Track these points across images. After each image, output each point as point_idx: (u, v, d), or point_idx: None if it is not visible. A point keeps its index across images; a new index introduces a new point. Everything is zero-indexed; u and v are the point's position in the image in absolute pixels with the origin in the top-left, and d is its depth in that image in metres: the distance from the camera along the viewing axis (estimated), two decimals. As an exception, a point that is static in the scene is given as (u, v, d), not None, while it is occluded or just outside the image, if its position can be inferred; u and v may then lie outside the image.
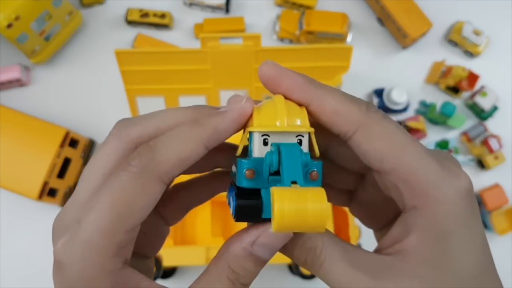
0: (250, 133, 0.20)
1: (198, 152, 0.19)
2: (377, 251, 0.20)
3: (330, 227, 0.63)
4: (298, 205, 0.16)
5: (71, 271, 0.18)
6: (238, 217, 0.19)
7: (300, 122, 0.19)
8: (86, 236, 0.18)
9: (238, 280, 0.19)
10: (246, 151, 0.21)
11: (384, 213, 0.24)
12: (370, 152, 0.19)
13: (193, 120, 0.20)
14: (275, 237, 0.19)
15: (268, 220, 0.18)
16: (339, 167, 0.24)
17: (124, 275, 0.18)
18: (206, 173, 0.25)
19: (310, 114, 0.20)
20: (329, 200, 0.25)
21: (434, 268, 0.18)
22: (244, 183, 0.19)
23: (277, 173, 0.19)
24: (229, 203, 0.21)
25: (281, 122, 0.19)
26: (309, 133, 0.19)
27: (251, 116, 0.20)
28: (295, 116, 0.19)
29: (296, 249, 0.19)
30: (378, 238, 0.25)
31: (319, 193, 0.17)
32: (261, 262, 0.19)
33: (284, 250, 0.20)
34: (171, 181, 0.19)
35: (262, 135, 0.19)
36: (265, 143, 0.19)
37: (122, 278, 0.18)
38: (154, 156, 0.19)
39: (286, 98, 0.20)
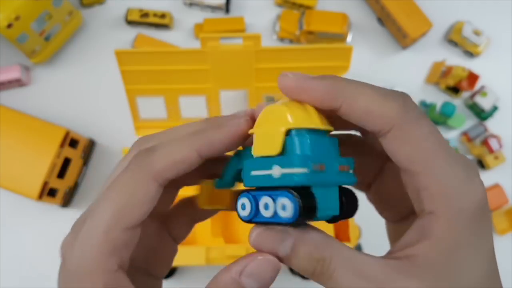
0: None
1: (191, 158, 0.20)
2: (388, 254, 0.20)
3: (330, 227, 0.63)
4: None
5: (71, 265, 0.19)
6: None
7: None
8: (86, 232, 0.19)
9: None
10: None
11: (401, 207, 0.23)
12: (401, 153, 0.19)
13: (194, 130, 0.21)
14: (262, 266, 0.19)
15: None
16: (362, 155, 0.24)
17: (117, 278, 0.19)
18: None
19: (341, 115, 0.20)
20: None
21: (443, 276, 0.18)
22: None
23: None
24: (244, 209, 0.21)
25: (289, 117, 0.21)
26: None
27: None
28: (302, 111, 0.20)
29: (305, 261, 0.19)
30: (390, 231, 0.25)
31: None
32: None
33: (290, 262, 0.19)
34: (165, 182, 0.20)
35: None
36: None
37: (114, 280, 0.19)
38: (150, 157, 0.20)
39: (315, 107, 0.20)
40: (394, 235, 0.25)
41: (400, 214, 0.24)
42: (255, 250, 0.20)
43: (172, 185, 0.22)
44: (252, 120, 0.21)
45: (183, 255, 0.63)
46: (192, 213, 0.26)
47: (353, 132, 0.24)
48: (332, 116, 0.20)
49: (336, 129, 0.21)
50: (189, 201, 0.26)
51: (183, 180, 0.22)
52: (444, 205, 0.18)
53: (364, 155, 0.24)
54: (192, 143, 0.20)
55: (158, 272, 0.25)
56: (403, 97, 0.19)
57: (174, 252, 0.26)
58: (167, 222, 0.25)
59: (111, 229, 0.19)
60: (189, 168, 0.20)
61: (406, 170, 0.19)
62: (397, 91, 0.20)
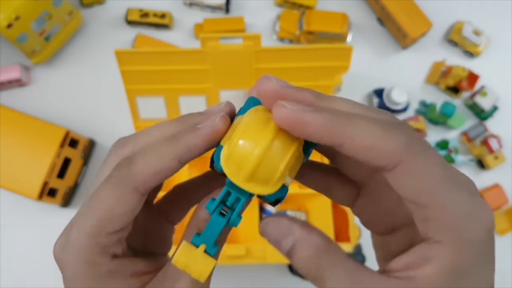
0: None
1: (172, 166, 0.21)
2: (385, 271, 0.20)
3: (331, 227, 0.63)
4: (187, 268, 0.20)
5: (67, 268, 0.21)
6: None
7: (262, 186, 0.19)
8: (75, 237, 0.21)
9: None
10: None
11: (387, 222, 0.23)
12: (408, 188, 0.18)
13: (171, 136, 0.21)
14: None
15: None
16: (338, 182, 0.24)
17: (115, 263, 0.21)
18: (203, 173, 0.27)
19: (342, 151, 0.19)
20: (333, 198, 0.25)
21: None
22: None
23: None
24: None
25: (241, 175, 0.19)
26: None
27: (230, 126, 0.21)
28: (262, 172, 0.19)
29: (302, 261, 0.19)
30: (376, 241, 0.24)
31: (204, 266, 0.20)
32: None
33: (290, 257, 0.20)
34: (148, 191, 0.21)
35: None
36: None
37: (113, 265, 0.21)
38: (131, 168, 0.20)
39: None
40: (380, 246, 0.24)
41: (386, 228, 0.23)
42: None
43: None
44: (230, 114, 0.22)
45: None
46: (186, 199, 0.27)
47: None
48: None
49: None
50: (182, 188, 0.27)
51: None
52: (453, 235, 0.18)
53: (340, 182, 0.24)
54: (171, 151, 0.21)
55: (161, 250, 0.26)
56: (407, 130, 0.19)
57: (171, 232, 0.27)
58: (162, 207, 0.26)
59: (97, 235, 0.20)
60: (170, 175, 0.21)
61: (414, 203, 0.19)
62: (400, 123, 0.19)
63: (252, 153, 0.19)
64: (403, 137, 0.18)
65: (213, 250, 0.21)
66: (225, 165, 0.20)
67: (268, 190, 0.20)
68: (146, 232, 0.25)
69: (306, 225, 0.20)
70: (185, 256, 0.20)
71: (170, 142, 0.21)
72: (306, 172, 0.24)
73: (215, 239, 0.21)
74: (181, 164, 0.21)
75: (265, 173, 0.19)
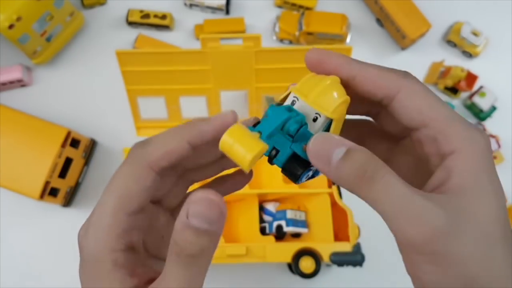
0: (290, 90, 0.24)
1: (182, 147, 0.23)
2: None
3: (330, 226, 0.64)
4: (235, 143, 0.21)
5: (86, 255, 0.22)
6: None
7: (326, 106, 0.22)
8: (96, 219, 0.22)
9: (183, 252, 0.19)
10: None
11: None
12: (411, 108, 0.22)
13: (184, 123, 0.24)
14: (203, 206, 0.19)
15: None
16: (374, 137, 0.27)
17: (124, 256, 0.21)
18: (213, 178, 0.28)
19: (355, 86, 0.23)
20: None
21: (478, 201, 0.20)
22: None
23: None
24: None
25: (311, 96, 0.23)
26: (329, 119, 0.22)
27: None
28: (327, 98, 0.23)
29: (356, 164, 0.20)
30: None
31: (256, 145, 0.20)
32: (203, 232, 0.19)
33: (342, 165, 0.20)
34: (161, 170, 0.23)
35: (294, 96, 0.23)
36: (293, 103, 0.23)
37: (122, 258, 0.21)
38: (145, 148, 0.23)
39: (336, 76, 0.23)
40: None
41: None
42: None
43: (183, 180, 0.26)
44: (234, 120, 0.24)
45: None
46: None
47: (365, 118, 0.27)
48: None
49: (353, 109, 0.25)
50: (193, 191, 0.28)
51: (193, 175, 0.26)
52: (461, 141, 0.21)
53: (376, 138, 0.27)
54: (183, 133, 0.23)
55: None
56: (405, 72, 0.23)
57: None
58: (175, 213, 0.27)
59: (116, 213, 0.21)
60: (181, 156, 0.23)
61: (419, 124, 0.22)
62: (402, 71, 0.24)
63: (321, 82, 0.23)
64: (401, 72, 0.23)
65: (267, 140, 0.21)
66: (298, 90, 0.23)
67: (328, 112, 0.22)
68: (161, 236, 0.26)
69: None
70: (236, 133, 0.21)
71: (183, 127, 0.23)
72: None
73: (273, 129, 0.22)
74: (191, 146, 0.23)
75: (327, 99, 0.23)
